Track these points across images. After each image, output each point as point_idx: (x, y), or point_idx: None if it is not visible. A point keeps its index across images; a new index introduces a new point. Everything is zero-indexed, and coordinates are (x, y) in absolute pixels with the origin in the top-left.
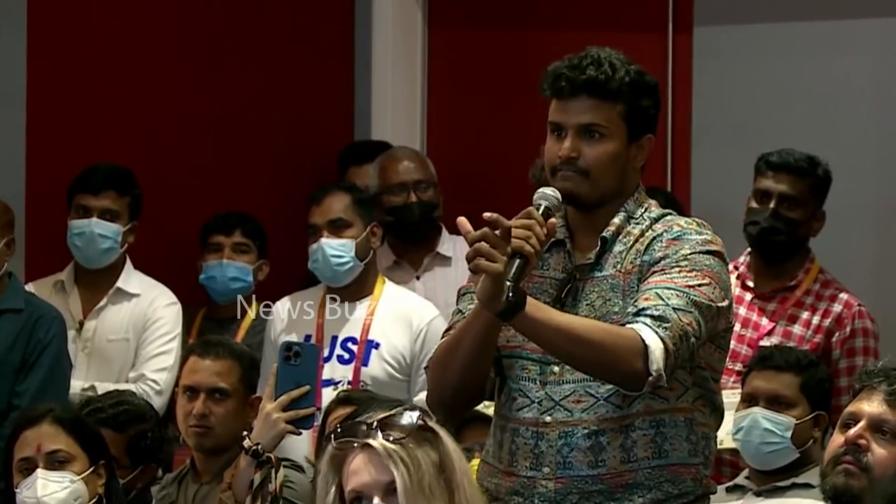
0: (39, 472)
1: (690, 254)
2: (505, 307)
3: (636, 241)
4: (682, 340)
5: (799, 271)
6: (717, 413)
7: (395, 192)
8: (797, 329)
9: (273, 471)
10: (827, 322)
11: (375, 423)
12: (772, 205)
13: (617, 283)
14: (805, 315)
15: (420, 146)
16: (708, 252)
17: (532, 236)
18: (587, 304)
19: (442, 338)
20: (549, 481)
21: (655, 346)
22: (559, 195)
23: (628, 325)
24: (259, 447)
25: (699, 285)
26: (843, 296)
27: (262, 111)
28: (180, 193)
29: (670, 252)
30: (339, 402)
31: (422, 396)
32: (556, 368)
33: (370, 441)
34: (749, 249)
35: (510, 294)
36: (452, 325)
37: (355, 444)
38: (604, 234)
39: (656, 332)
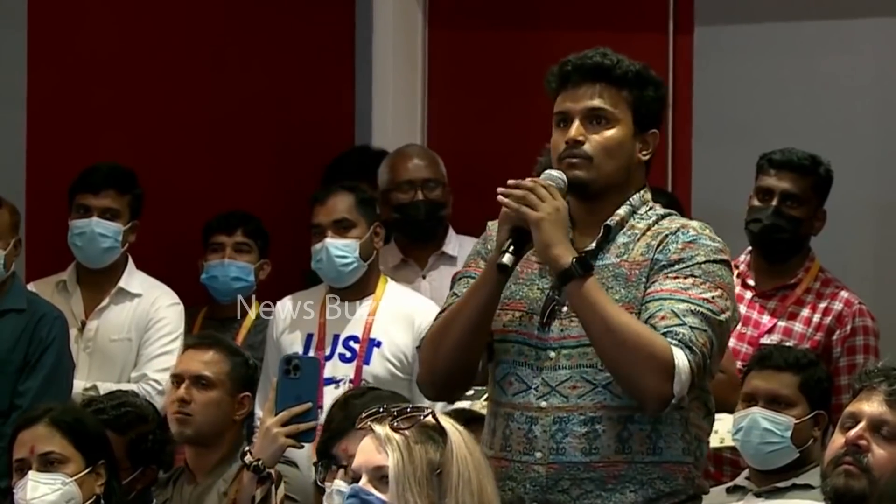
0: (31, 473)
1: (705, 262)
2: (565, 270)
3: (643, 234)
4: (703, 361)
5: (799, 270)
6: (709, 417)
7: (402, 189)
8: (798, 327)
9: (274, 487)
10: (827, 320)
11: (386, 411)
12: (774, 203)
13: (621, 272)
14: (805, 313)
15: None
16: (719, 261)
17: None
18: None
19: (435, 319)
20: (541, 466)
21: (683, 369)
22: (565, 178)
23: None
24: (260, 463)
25: (712, 297)
26: (844, 294)
27: (262, 111)
28: (181, 193)
29: (685, 256)
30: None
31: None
32: (552, 354)
33: (375, 426)
34: (749, 249)
35: (507, 262)
36: (446, 307)
37: (364, 427)
38: (608, 222)
39: (685, 355)
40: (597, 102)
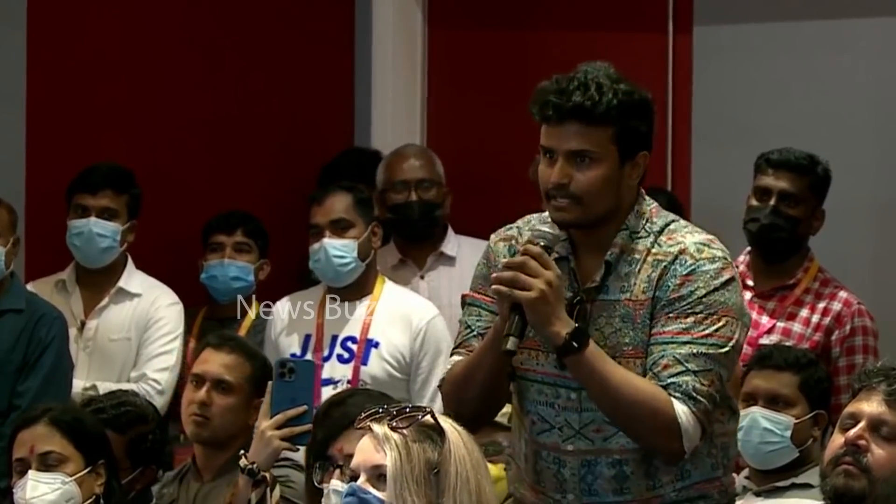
0: (30, 473)
1: (705, 294)
2: (561, 346)
3: (643, 260)
4: (711, 405)
5: (798, 270)
6: (735, 417)
7: (397, 189)
8: (797, 327)
9: (269, 490)
10: (826, 320)
11: (385, 412)
12: (772, 202)
13: (627, 312)
14: (804, 313)
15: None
16: (721, 285)
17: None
18: (596, 330)
19: (452, 353)
20: None
21: (689, 424)
22: (556, 230)
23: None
24: (255, 466)
25: (716, 330)
26: (843, 294)
27: (262, 111)
28: (180, 193)
29: (685, 293)
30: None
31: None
32: (573, 395)
33: (374, 425)
34: (748, 249)
35: (512, 347)
36: (463, 341)
37: (364, 427)
38: (607, 257)
39: (690, 409)
40: (578, 145)
